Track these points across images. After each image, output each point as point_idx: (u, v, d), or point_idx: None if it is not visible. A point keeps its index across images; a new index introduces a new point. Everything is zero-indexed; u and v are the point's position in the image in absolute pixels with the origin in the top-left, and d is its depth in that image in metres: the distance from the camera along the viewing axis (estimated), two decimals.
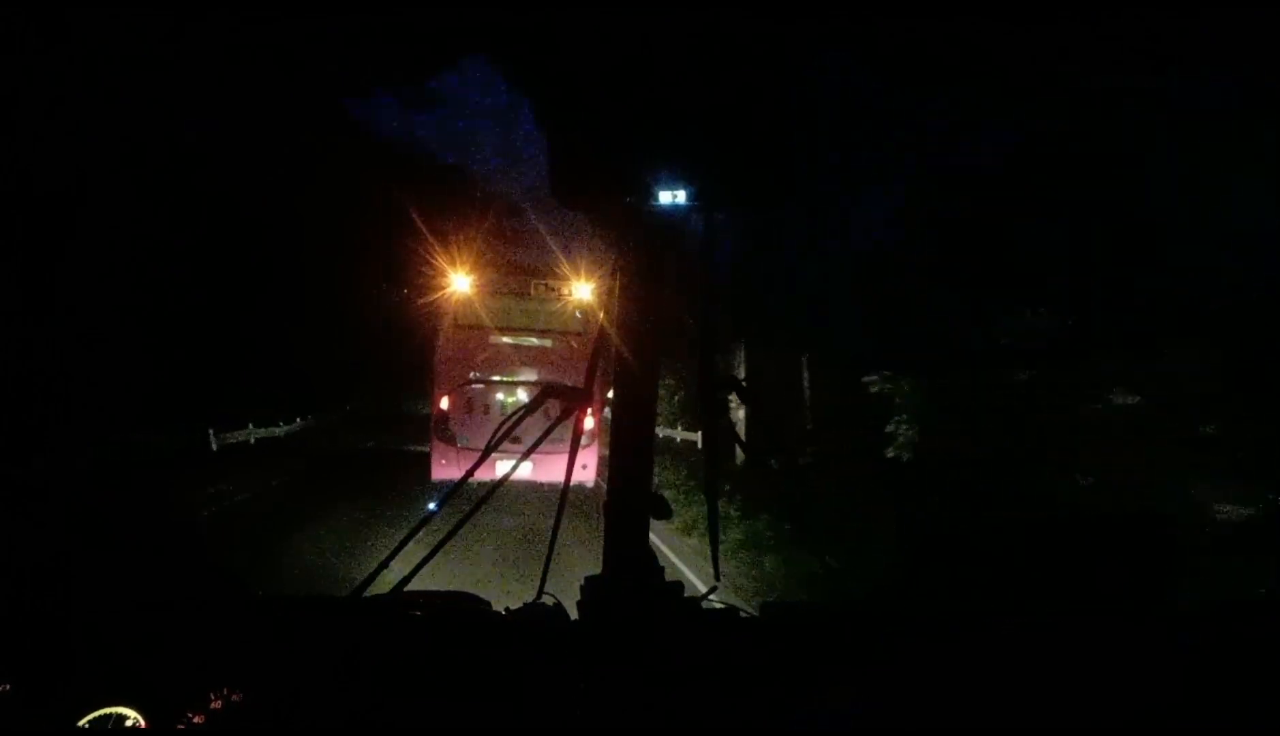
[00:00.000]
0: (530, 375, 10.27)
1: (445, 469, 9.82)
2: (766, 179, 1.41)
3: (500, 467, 1.70)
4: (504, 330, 10.35)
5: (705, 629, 1.43)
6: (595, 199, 1.47)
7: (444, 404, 10.13)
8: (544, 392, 1.62)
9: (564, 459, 1.65)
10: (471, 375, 10.15)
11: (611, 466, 1.49)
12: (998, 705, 1.19)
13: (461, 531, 1.55)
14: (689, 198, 1.36)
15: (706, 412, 1.60)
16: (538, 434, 1.64)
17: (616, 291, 1.47)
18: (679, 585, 1.49)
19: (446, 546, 1.51)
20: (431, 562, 1.49)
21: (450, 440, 9.90)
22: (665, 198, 1.37)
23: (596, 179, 1.40)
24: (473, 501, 1.62)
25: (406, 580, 1.48)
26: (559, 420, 1.61)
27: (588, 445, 9.28)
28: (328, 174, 17.77)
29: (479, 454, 1.60)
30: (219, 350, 16.57)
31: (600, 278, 10.18)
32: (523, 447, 1.66)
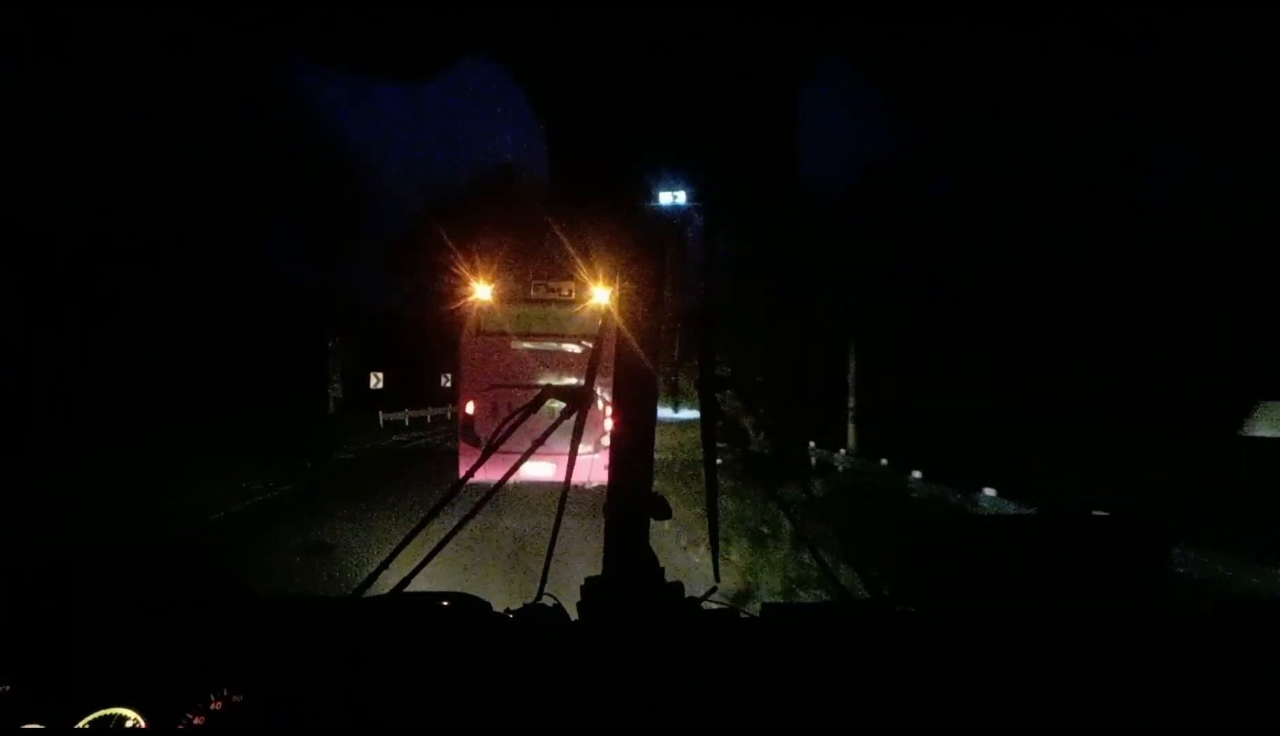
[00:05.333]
0: (553, 379, 10.42)
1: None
2: (766, 179, 1.41)
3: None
4: (525, 336, 10.61)
5: (705, 629, 1.43)
6: (596, 199, 1.48)
7: (470, 408, 10.44)
8: (543, 394, 1.62)
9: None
10: (494, 381, 10.34)
11: (611, 466, 1.49)
12: (999, 705, 1.19)
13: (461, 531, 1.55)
14: (689, 198, 1.37)
15: (706, 411, 1.60)
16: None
17: (617, 291, 1.47)
18: (679, 585, 1.49)
19: (444, 547, 1.52)
20: (431, 563, 1.50)
21: (476, 443, 10.13)
22: (665, 198, 1.37)
23: (597, 179, 1.40)
24: (473, 501, 1.63)
25: (406, 580, 1.48)
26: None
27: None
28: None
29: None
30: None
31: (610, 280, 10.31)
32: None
